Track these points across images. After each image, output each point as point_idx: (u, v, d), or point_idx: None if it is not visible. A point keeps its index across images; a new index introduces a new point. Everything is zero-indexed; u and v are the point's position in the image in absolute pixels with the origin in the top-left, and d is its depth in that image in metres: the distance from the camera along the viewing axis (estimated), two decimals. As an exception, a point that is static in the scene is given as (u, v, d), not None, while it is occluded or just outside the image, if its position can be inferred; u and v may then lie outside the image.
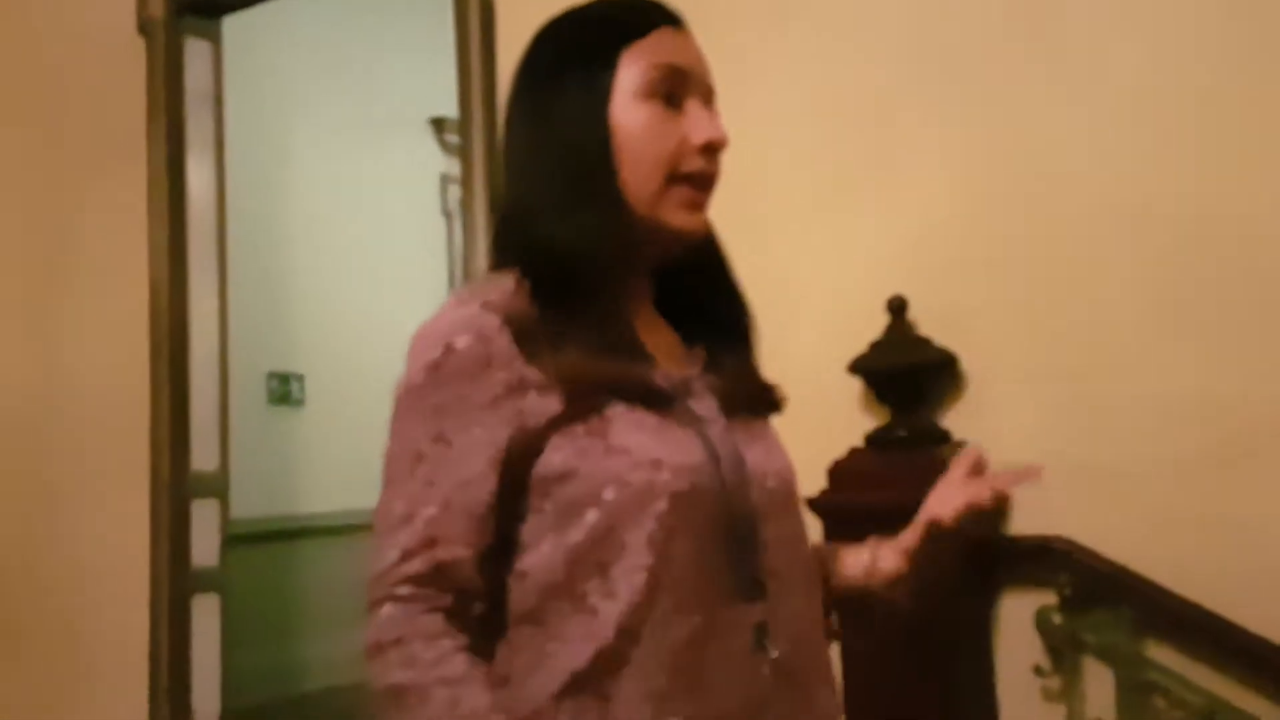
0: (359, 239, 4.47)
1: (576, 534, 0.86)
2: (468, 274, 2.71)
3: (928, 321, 1.93)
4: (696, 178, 0.95)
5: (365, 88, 4.52)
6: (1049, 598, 1.80)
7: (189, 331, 3.08)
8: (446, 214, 4.90)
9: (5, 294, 3.42)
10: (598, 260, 0.91)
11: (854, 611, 1.15)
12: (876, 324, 1.92)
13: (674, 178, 0.94)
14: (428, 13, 3.54)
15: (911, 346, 1.90)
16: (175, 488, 2.99)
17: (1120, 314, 1.83)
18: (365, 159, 4.52)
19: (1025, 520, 1.86)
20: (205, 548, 3.06)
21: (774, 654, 0.89)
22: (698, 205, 0.96)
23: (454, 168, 4.51)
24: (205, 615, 3.06)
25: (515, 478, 0.88)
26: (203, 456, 3.08)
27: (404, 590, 0.84)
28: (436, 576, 0.85)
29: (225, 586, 3.13)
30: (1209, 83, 1.80)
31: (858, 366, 1.92)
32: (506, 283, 0.91)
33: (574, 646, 0.85)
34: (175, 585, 2.97)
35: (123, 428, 3.06)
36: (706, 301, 1.02)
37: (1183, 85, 1.81)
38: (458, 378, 0.87)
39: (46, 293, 3.33)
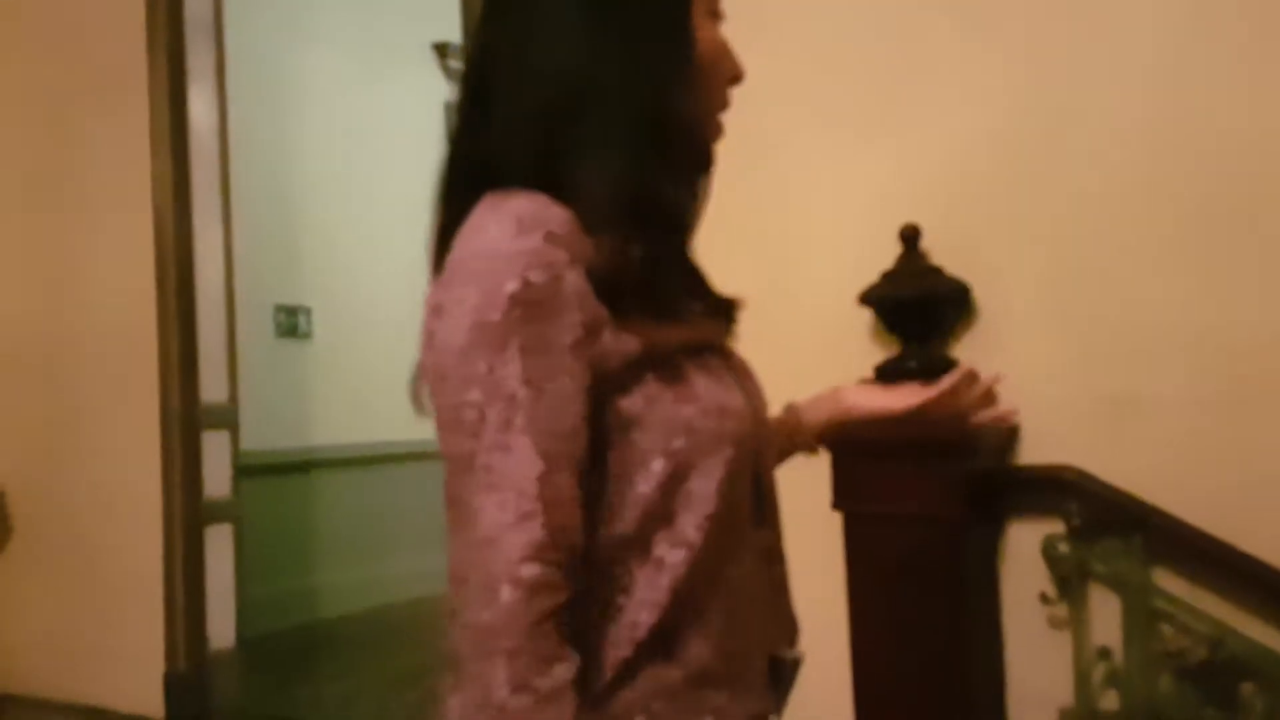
0: (363, 168, 4.43)
1: (644, 484, 0.82)
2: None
3: (940, 251, 1.91)
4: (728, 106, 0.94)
5: (367, 14, 4.44)
6: (1056, 527, 1.80)
7: (195, 264, 3.07)
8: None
9: (8, 228, 3.40)
10: (686, 207, 0.89)
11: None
12: (889, 253, 1.90)
13: (725, 105, 0.92)
14: (430, -64, 3.46)
15: (924, 276, 1.88)
16: (185, 420, 3.00)
17: (1135, 245, 1.81)
18: (368, 86, 4.46)
19: (1034, 450, 1.86)
20: (217, 479, 3.09)
21: (780, 572, 0.94)
22: (723, 133, 0.95)
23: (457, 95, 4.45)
24: (219, 545, 3.10)
25: (596, 421, 0.82)
26: (212, 389, 3.10)
27: (528, 572, 0.76)
28: (556, 544, 0.77)
29: (238, 516, 3.16)
30: (1233, 11, 1.75)
31: (869, 297, 1.90)
32: (557, 210, 0.81)
33: (646, 598, 0.82)
34: (188, 515, 3.00)
35: (131, 360, 3.07)
36: None
37: (1205, 13, 1.77)
38: (538, 316, 0.78)
39: (52, 227, 3.31)
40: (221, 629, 3.28)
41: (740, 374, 0.94)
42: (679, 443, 0.82)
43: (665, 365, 0.83)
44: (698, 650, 0.83)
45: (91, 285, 3.21)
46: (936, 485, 1.73)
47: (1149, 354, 1.79)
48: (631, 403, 0.82)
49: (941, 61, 1.96)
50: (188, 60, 3.09)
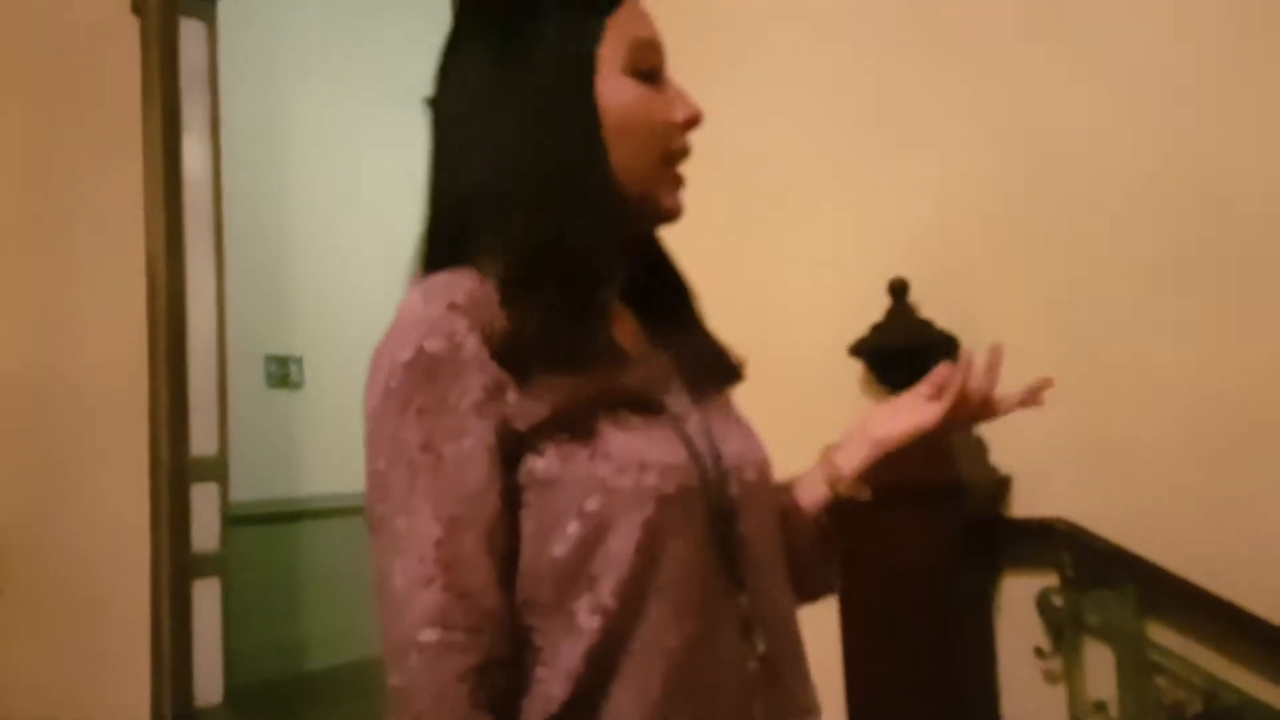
0: (356, 218, 4.45)
1: (558, 548, 0.80)
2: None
3: (929, 304, 1.92)
4: (682, 154, 0.90)
5: (360, 64, 4.49)
6: (1050, 579, 1.80)
7: (187, 314, 3.07)
8: (443, 192, 4.88)
9: (3, 277, 3.40)
10: (589, 257, 0.84)
11: (825, 540, 1.05)
12: (878, 306, 1.91)
13: (667, 157, 0.89)
14: (423, -11, 3.50)
15: (913, 328, 1.90)
16: (175, 472, 2.99)
17: (1123, 295, 1.82)
18: (362, 136, 4.50)
19: (1026, 501, 1.86)
20: (205, 531, 3.07)
21: (760, 648, 0.86)
22: (682, 184, 0.91)
23: (451, 147, 4.49)
24: (206, 598, 3.07)
25: (510, 482, 0.81)
26: (202, 440, 3.08)
27: (427, 637, 0.76)
28: (460, 608, 0.77)
29: (225, 569, 3.14)
30: (1212, 55, 1.78)
31: (859, 348, 1.91)
32: (466, 281, 0.83)
33: (563, 669, 0.79)
34: (176, 569, 2.97)
35: (122, 411, 3.05)
36: (647, 276, 0.96)
37: (1185, 58, 1.79)
38: (434, 379, 0.80)
39: (45, 276, 3.31)
40: (209, 681, 3.23)
41: (699, 427, 0.89)
42: (593, 503, 0.80)
43: (579, 423, 0.81)
44: None
45: (83, 335, 3.21)
46: (929, 534, 1.73)
47: (1140, 404, 1.80)
48: (546, 464, 0.81)
49: (927, 115, 1.99)
50: (182, 112, 3.11)
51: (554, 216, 0.85)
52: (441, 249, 0.88)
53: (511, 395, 0.81)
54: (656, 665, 0.80)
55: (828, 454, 1.03)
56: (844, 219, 2.05)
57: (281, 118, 4.24)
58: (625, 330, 0.93)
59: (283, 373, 4.24)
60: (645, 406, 0.85)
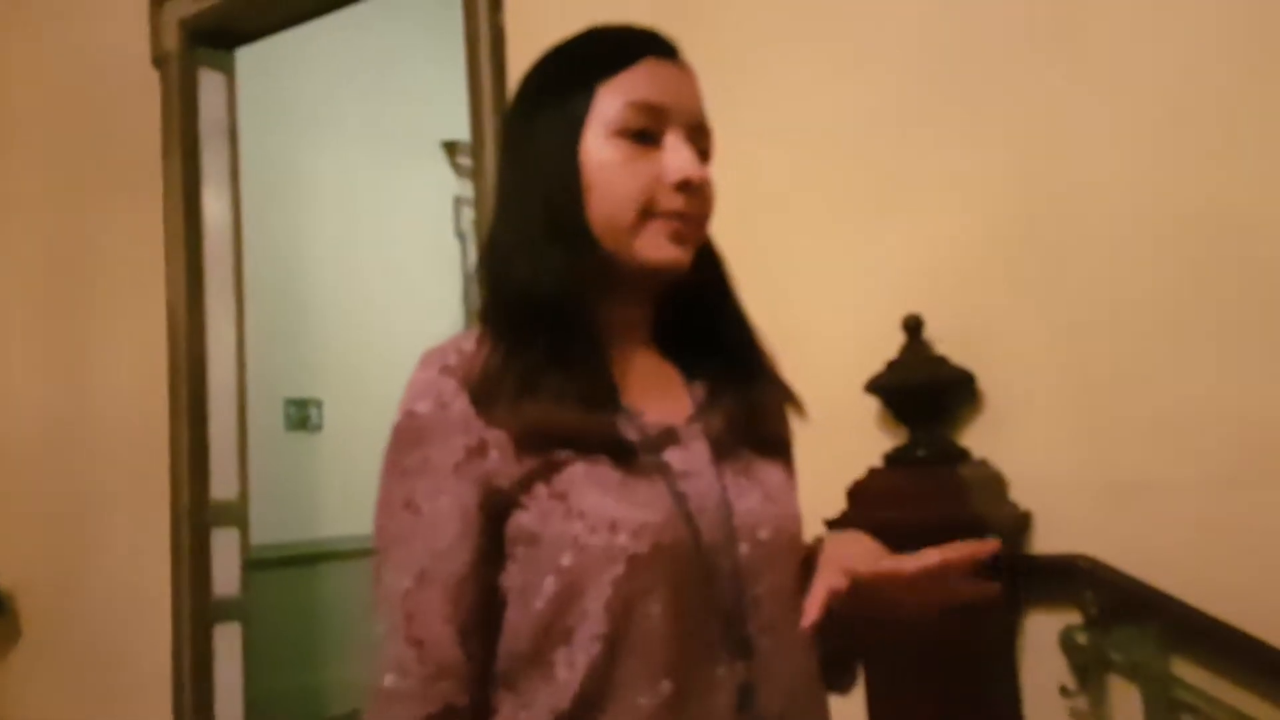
0: (374, 263, 4.50)
1: (538, 601, 0.83)
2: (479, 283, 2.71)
3: (945, 340, 1.92)
4: (676, 215, 0.91)
5: (377, 113, 4.55)
6: (1074, 617, 1.78)
7: (207, 360, 3.10)
8: (460, 236, 4.92)
9: (25, 324, 3.45)
10: (563, 301, 0.88)
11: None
12: (893, 343, 1.91)
13: (650, 213, 0.90)
14: (438, 37, 3.56)
15: (929, 365, 1.89)
16: (195, 517, 3.00)
17: (1142, 328, 1.81)
18: (379, 184, 4.55)
19: (1048, 539, 1.84)
20: (226, 576, 3.07)
21: (762, 714, 0.85)
22: (678, 237, 0.91)
23: (467, 190, 4.54)
24: (227, 643, 3.07)
25: (493, 538, 0.85)
26: (222, 485, 3.10)
27: (385, 682, 0.83)
28: (417, 657, 0.83)
29: (246, 614, 3.14)
30: (1232, 91, 1.77)
31: (875, 386, 1.91)
32: (467, 341, 0.89)
33: (539, 716, 0.82)
34: (197, 615, 2.98)
35: (142, 456, 3.07)
36: (709, 332, 0.98)
37: (1205, 94, 1.79)
38: (420, 442, 0.86)
39: (66, 323, 3.35)
40: (230, 727, 3.22)
41: (709, 484, 0.88)
42: (567, 560, 0.82)
43: (557, 479, 0.84)
44: None
45: (105, 382, 3.24)
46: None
47: (1160, 437, 1.78)
48: (530, 519, 0.84)
49: (944, 153, 1.99)
50: (203, 161, 3.16)
51: (528, 265, 0.89)
52: (479, 291, 0.95)
53: (494, 454, 0.85)
54: None
55: (811, 555, 0.97)
56: (858, 256, 2.05)
57: (300, 167, 4.30)
58: (650, 378, 0.94)
59: (302, 416, 4.26)
60: (630, 457, 0.86)
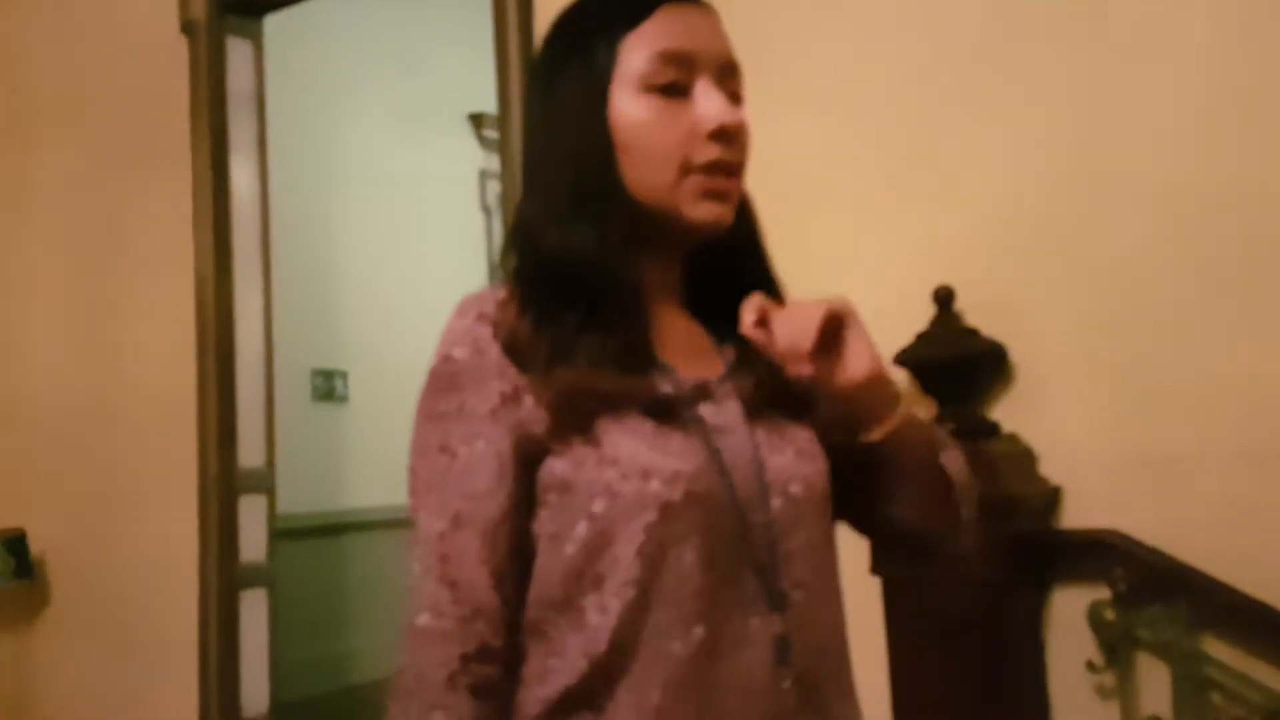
0: (400, 235, 4.50)
1: (570, 547, 0.83)
2: (502, 264, 2.71)
3: (975, 312, 1.90)
4: (713, 166, 0.89)
5: (404, 84, 4.54)
6: (1102, 593, 1.76)
7: (235, 330, 3.11)
8: (485, 209, 4.91)
9: (55, 295, 3.47)
10: (594, 271, 0.87)
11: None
12: (923, 315, 1.90)
13: (688, 169, 0.88)
14: (466, 8, 3.54)
15: (959, 337, 1.87)
16: (223, 484, 3.02)
17: (1173, 302, 1.79)
18: (405, 155, 4.54)
19: (1077, 514, 1.83)
20: (253, 543, 3.10)
21: (796, 668, 0.85)
22: (719, 194, 0.90)
23: (492, 163, 4.53)
24: (254, 609, 3.10)
25: (526, 484, 0.86)
26: (249, 453, 3.12)
27: (420, 621, 0.84)
28: (452, 598, 0.83)
29: (273, 582, 3.16)
30: (1265, 65, 1.75)
31: (904, 358, 1.89)
32: (500, 293, 0.90)
33: (571, 661, 0.82)
34: (224, 580, 3.00)
35: (171, 426, 3.10)
36: (740, 293, 0.94)
37: (1237, 68, 1.77)
38: (456, 387, 0.86)
39: (95, 294, 3.38)
40: (256, 694, 3.25)
41: (743, 439, 0.88)
42: (599, 506, 0.82)
43: (588, 427, 0.84)
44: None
45: (134, 352, 3.26)
46: (979, 548, 1.71)
47: (1192, 413, 1.77)
48: (563, 466, 0.84)
49: (975, 123, 1.97)
50: (230, 132, 3.16)
51: (558, 235, 0.89)
52: (506, 267, 0.94)
53: (528, 400, 0.85)
54: (658, 671, 0.81)
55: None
56: (889, 227, 2.04)
57: (328, 137, 4.29)
58: (679, 337, 0.94)
59: (328, 387, 4.28)
60: (664, 411, 0.86)
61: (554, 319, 0.86)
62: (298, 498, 3.78)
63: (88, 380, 3.36)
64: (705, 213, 0.90)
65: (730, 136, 0.89)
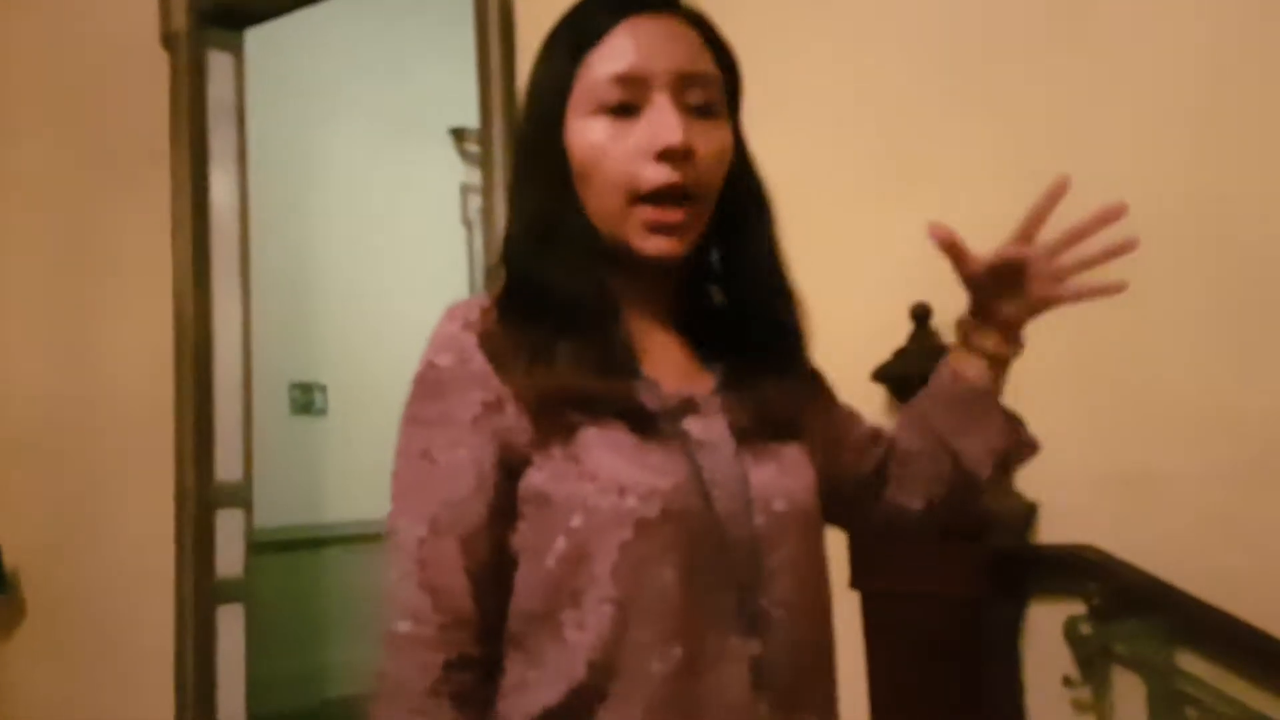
0: (380, 249, 4.49)
1: (549, 560, 0.83)
2: (488, 283, 2.71)
3: (953, 329, 1.91)
4: (660, 194, 0.86)
5: (386, 98, 4.54)
6: (1078, 607, 1.77)
7: (213, 342, 3.10)
8: (467, 223, 4.91)
9: (32, 305, 3.45)
10: (572, 295, 0.87)
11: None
12: (901, 331, 1.90)
13: (635, 197, 0.86)
14: (448, 22, 3.54)
15: (937, 354, 1.87)
16: (200, 498, 3.00)
17: (1152, 320, 1.80)
18: (386, 169, 4.54)
19: (1053, 528, 1.84)
20: (230, 557, 3.07)
21: (774, 690, 0.85)
22: (666, 227, 0.87)
23: (474, 177, 4.52)
24: (230, 624, 3.07)
25: (506, 495, 0.85)
26: (226, 467, 3.10)
27: (399, 628, 0.83)
28: (432, 605, 0.83)
29: (250, 596, 3.14)
30: (1250, 88, 1.76)
31: (882, 374, 1.90)
32: (485, 302, 0.90)
33: (549, 678, 0.82)
34: (200, 595, 2.98)
35: (147, 438, 3.07)
36: (729, 313, 0.96)
37: (1223, 90, 1.77)
38: (440, 394, 0.86)
39: (72, 304, 3.35)
40: (232, 710, 3.22)
41: (725, 454, 0.87)
42: (576, 521, 0.82)
43: (571, 440, 0.84)
44: None
45: (110, 363, 3.24)
46: (957, 563, 1.71)
47: (1170, 430, 1.78)
48: (542, 478, 0.84)
49: (956, 139, 1.98)
50: (210, 143, 3.15)
51: (530, 254, 0.90)
52: (496, 273, 0.95)
53: (510, 409, 0.85)
54: (638, 692, 0.81)
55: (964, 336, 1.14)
56: (867, 243, 2.04)
57: (308, 150, 4.29)
58: (665, 354, 0.93)
59: (307, 400, 4.26)
60: (646, 424, 0.85)
61: (532, 326, 0.87)
62: (275, 511, 3.75)
63: (63, 391, 3.33)
64: (653, 247, 0.88)
65: (679, 156, 0.85)
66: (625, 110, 0.87)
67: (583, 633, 0.81)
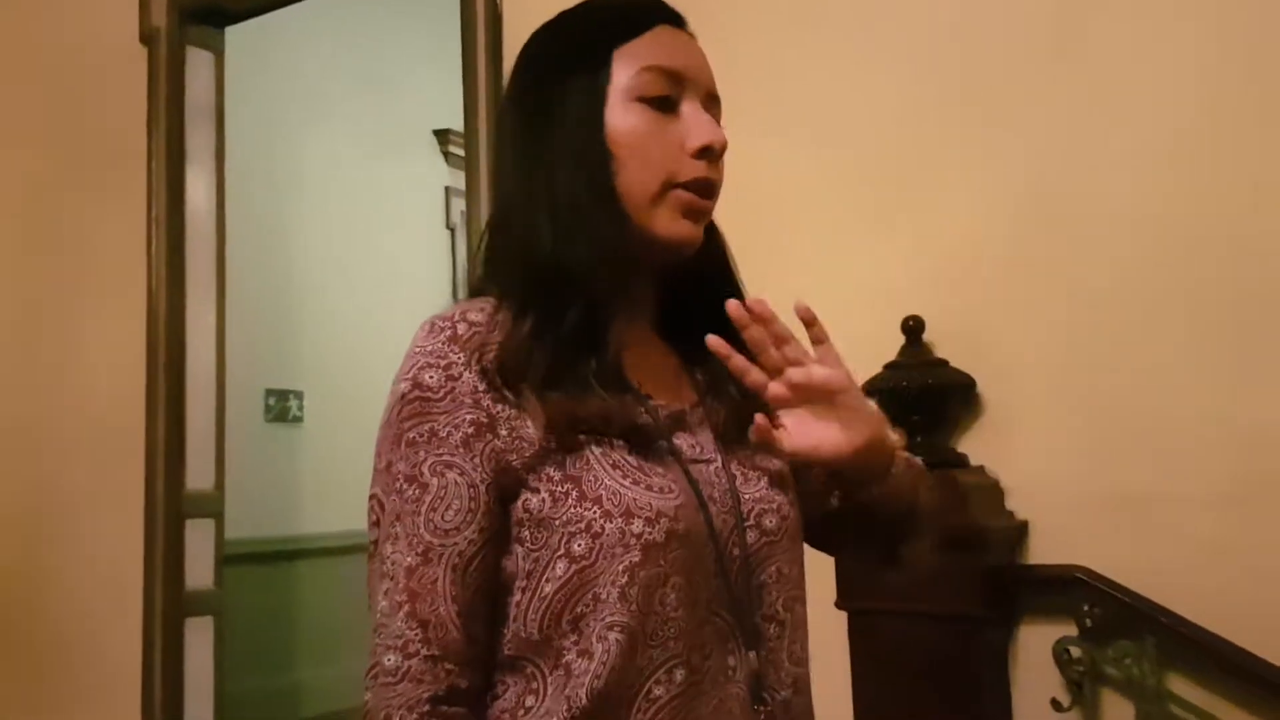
0: (361, 253, 4.43)
1: (548, 586, 0.80)
2: (470, 281, 2.67)
3: (945, 343, 1.89)
4: (695, 185, 0.89)
5: (368, 99, 4.49)
6: (1069, 629, 1.75)
7: (186, 346, 3.04)
8: (450, 227, 4.86)
9: (2, 308, 3.37)
10: (598, 282, 0.85)
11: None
12: (892, 345, 1.88)
13: (671, 185, 0.88)
14: (432, 24, 3.51)
15: (928, 368, 1.86)
16: (170, 507, 2.94)
17: (1146, 339, 1.79)
18: (368, 171, 4.49)
19: (1044, 548, 1.81)
20: (200, 569, 3.01)
21: (771, 704, 0.85)
22: (695, 212, 0.89)
23: (457, 180, 4.48)
24: (199, 638, 3.01)
25: (499, 518, 0.82)
26: (198, 475, 3.03)
27: (388, 660, 0.80)
28: (423, 636, 0.80)
29: (220, 608, 3.07)
30: (1244, 109, 1.75)
31: (873, 388, 1.87)
32: (483, 308, 0.86)
33: (549, 705, 0.79)
34: (169, 607, 2.91)
35: (117, 444, 3.01)
36: (711, 318, 0.92)
37: (1218, 111, 1.77)
38: (426, 414, 0.82)
39: (41, 305, 3.29)
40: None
41: (718, 471, 0.87)
42: (580, 546, 0.80)
43: (570, 461, 0.81)
44: None
45: (80, 366, 3.17)
46: (945, 584, 1.68)
47: (1161, 450, 1.76)
48: (539, 502, 0.81)
49: (947, 154, 1.97)
50: (187, 143, 3.09)
51: (554, 238, 0.86)
52: (477, 275, 0.92)
53: (504, 431, 0.81)
54: (642, 716, 0.79)
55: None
56: (859, 258, 2.02)
57: (288, 151, 4.23)
58: (650, 363, 0.92)
59: (282, 407, 4.19)
60: (645, 443, 0.84)
61: (550, 329, 0.83)
62: (248, 522, 3.68)
63: (32, 397, 3.27)
64: (680, 229, 0.89)
65: (715, 156, 0.90)
66: (663, 103, 0.89)
67: (588, 660, 0.79)
